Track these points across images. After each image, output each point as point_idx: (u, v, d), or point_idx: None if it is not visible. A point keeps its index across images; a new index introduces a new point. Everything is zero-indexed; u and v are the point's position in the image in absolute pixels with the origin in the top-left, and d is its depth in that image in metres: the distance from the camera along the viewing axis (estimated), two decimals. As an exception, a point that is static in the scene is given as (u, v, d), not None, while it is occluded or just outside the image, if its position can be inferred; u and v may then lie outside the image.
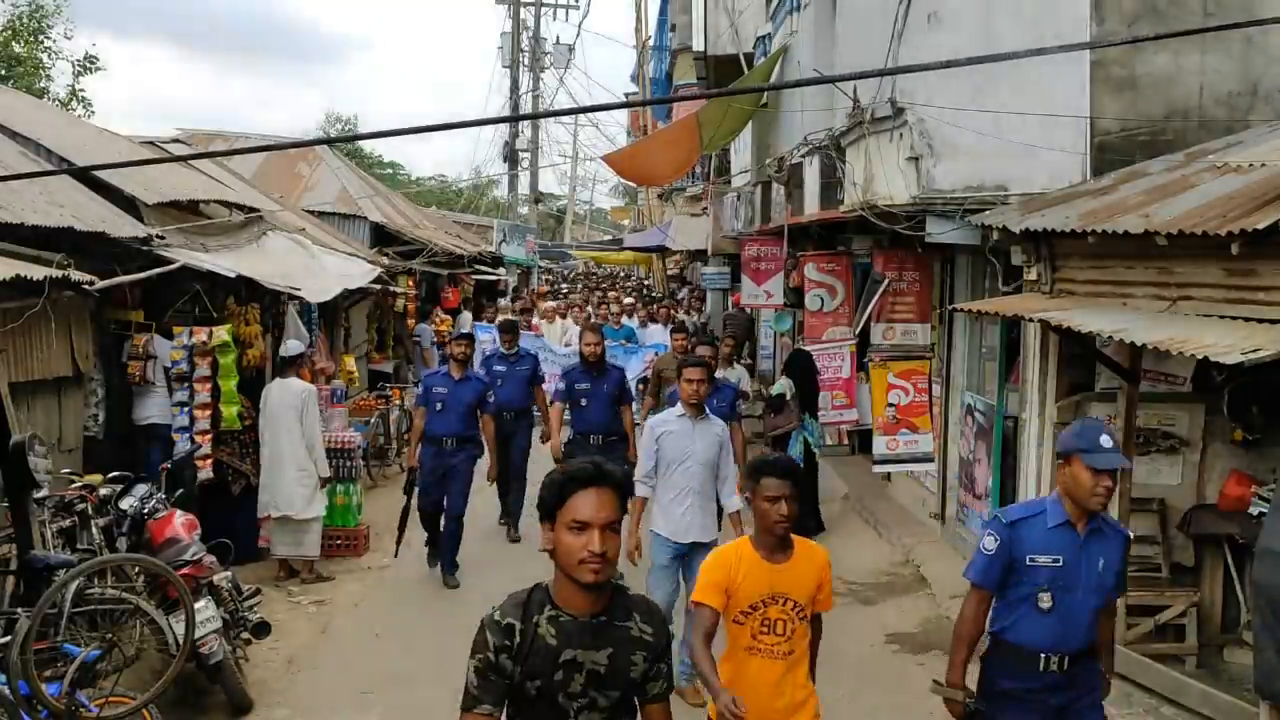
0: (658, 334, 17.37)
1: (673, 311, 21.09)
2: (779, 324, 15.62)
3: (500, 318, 17.45)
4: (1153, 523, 7.38)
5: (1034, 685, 4.26)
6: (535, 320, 18.30)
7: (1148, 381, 7.24)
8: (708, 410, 6.90)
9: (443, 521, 9.23)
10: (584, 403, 9.26)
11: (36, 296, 6.68)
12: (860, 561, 9.60)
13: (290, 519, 9.00)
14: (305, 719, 6.62)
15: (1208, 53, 7.73)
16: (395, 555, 9.51)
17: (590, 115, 44.22)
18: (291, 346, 9.56)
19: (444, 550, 9.23)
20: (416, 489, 9.31)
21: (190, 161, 12.09)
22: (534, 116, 36.11)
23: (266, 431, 9.07)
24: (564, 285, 37.39)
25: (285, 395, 9.02)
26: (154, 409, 8.83)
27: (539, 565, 3.34)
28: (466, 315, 20.70)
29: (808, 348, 11.03)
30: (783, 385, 10.84)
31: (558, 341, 16.95)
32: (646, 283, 37.02)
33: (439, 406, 9.10)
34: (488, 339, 14.65)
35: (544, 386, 11.77)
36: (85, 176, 8.75)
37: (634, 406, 16.21)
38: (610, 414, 9.33)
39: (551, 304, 20.31)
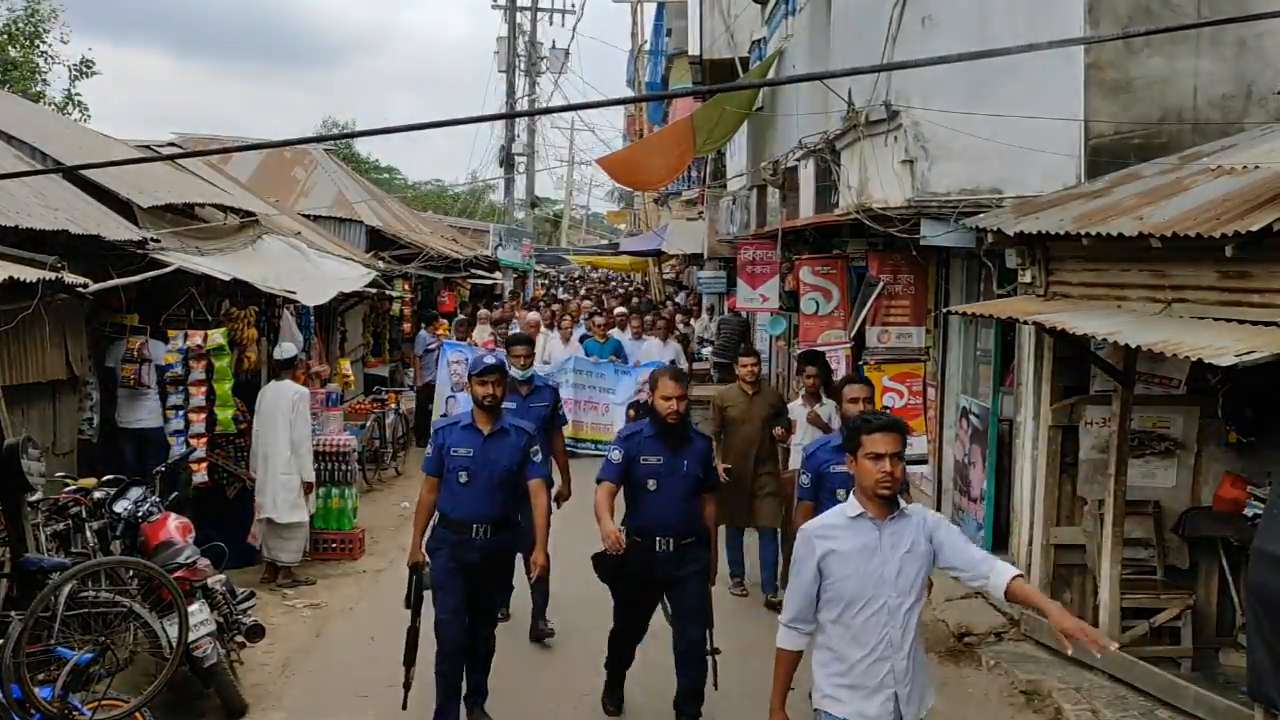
0: (655, 350, 15.01)
1: (674, 322, 17.92)
2: (774, 327, 15.56)
3: (481, 328, 16.21)
4: (1148, 525, 7.39)
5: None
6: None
7: (1142, 384, 7.25)
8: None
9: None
10: (653, 485, 6.06)
11: (30, 299, 6.67)
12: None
13: (274, 522, 9.01)
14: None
15: (1201, 56, 7.75)
16: (404, 707, 6.32)
17: (587, 121, 44.23)
18: (285, 349, 9.56)
19: (471, 676, 6.38)
20: (430, 597, 6.24)
21: (186, 165, 12.08)
22: (528, 114, 36.20)
23: (260, 433, 9.09)
24: (559, 290, 36.53)
25: (278, 398, 9.06)
26: (145, 412, 8.82)
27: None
28: (422, 334, 16.32)
29: (821, 348, 10.79)
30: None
31: (538, 359, 15.75)
32: (641, 288, 36.86)
33: (463, 478, 6.12)
34: (459, 361, 13.53)
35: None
36: (80, 180, 8.73)
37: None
38: (692, 505, 6.16)
39: (534, 316, 16.55)
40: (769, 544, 8.72)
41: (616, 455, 6.04)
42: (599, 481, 6.11)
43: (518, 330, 13.06)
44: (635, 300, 26.80)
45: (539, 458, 6.31)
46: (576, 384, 13.97)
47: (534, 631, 7.80)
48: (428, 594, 6.21)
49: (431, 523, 6.28)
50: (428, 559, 6.20)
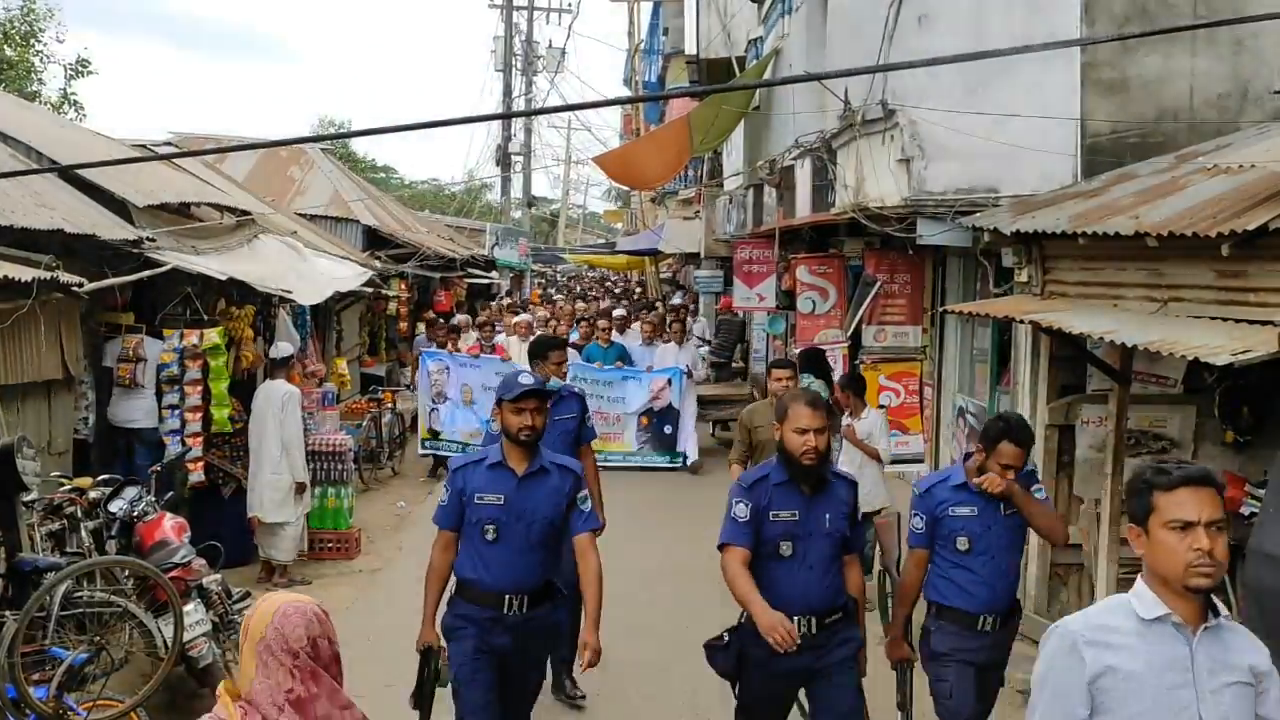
0: (670, 355, 13.80)
1: (685, 323, 15.73)
2: (773, 327, 15.54)
3: (466, 334, 14.83)
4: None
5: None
6: (500, 339, 14.38)
7: (1139, 383, 7.25)
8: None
9: None
10: (788, 549, 4.56)
11: (25, 298, 6.65)
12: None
13: (264, 520, 9.01)
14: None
15: (1197, 55, 7.76)
16: None
17: (584, 120, 44.26)
18: (280, 349, 9.57)
19: None
20: (449, 692, 4.85)
21: (182, 164, 12.06)
22: (525, 114, 36.25)
23: (253, 433, 9.11)
24: (553, 291, 35.52)
25: (269, 397, 9.08)
26: (139, 412, 8.80)
27: None
28: (421, 338, 16.48)
29: (822, 346, 10.78)
30: (820, 387, 9.40)
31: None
32: (638, 287, 36.79)
33: (490, 533, 4.71)
34: (440, 370, 13.13)
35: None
36: (76, 179, 8.72)
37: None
38: (837, 570, 4.66)
39: (524, 318, 15.39)
40: None
41: (743, 510, 4.52)
42: (723, 547, 4.52)
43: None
44: (628, 301, 25.93)
45: (588, 505, 4.84)
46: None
47: (557, 684, 6.49)
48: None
49: (448, 592, 4.90)
50: (443, 642, 4.83)
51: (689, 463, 13.29)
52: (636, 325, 15.61)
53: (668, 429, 13.36)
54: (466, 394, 13.03)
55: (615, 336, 14.66)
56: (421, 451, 13.47)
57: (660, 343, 14.16)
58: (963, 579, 4.88)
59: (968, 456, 5.20)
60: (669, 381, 13.24)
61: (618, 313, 17.25)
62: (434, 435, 13.22)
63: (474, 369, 13.10)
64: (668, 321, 15.38)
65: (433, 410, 13.16)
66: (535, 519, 4.71)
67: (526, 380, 4.81)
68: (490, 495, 4.72)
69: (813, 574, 4.57)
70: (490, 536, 4.69)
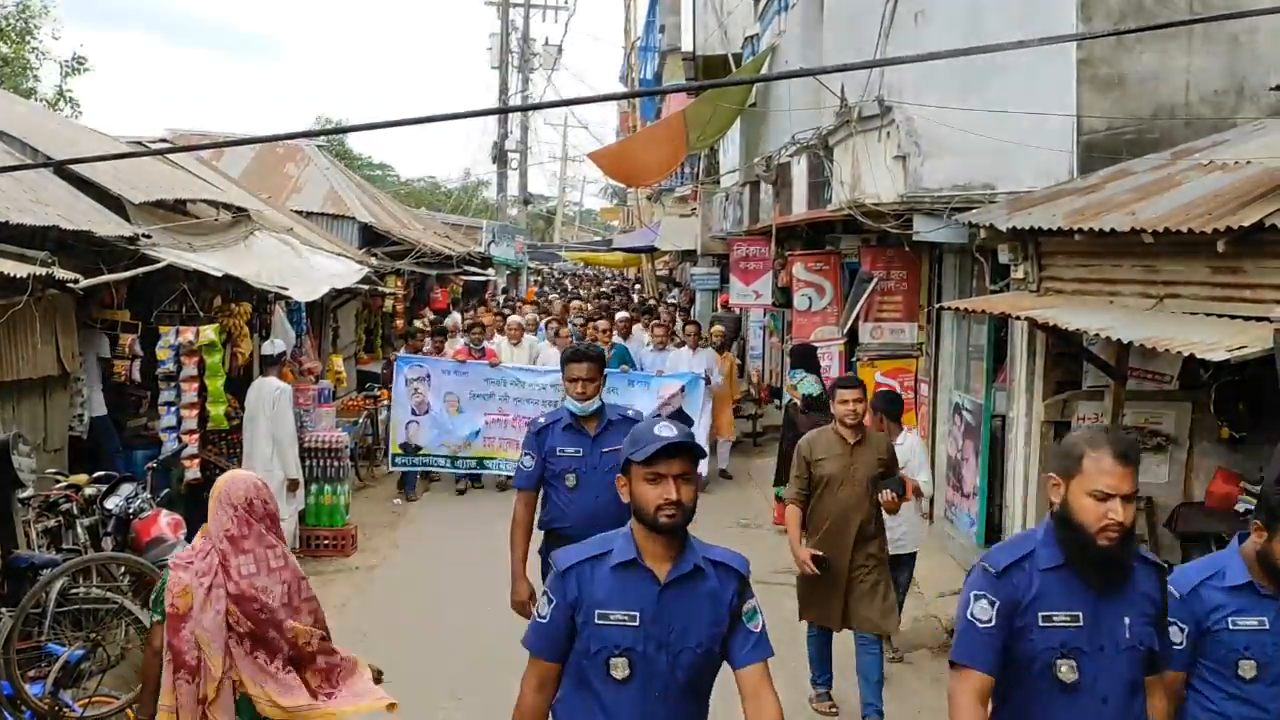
0: (684, 361, 12.41)
1: (701, 328, 13.63)
2: (775, 325, 15.44)
3: (452, 339, 13.59)
4: (1140, 521, 7.40)
5: None
6: (490, 343, 12.84)
7: (1135, 379, 7.26)
8: None
9: None
10: (1068, 672, 3.09)
11: (21, 294, 6.65)
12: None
13: None
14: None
15: (1194, 52, 7.76)
16: None
17: (580, 117, 44.22)
18: (272, 346, 9.58)
19: None
20: None
21: (177, 161, 12.04)
22: (521, 109, 36.27)
23: (246, 430, 9.13)
24: (548, 291, 34.24)
25: (261, 395, 9.11)
26: (97, 404, 8.77)
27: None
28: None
29: (813, 342, 10.81)
30: (812, 382, 8.98)
31: (527, 362, 12.63)
32: (635, 284, 36.77)
33: (617, 670, 3.14)
34: (419, 378, 11.90)
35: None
36: (71, 176, 8.71)
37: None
38: (1139, 706, 3.20)
39: (515, 320, 13.97)
40: (868, 652, 6.25)
41: (985, 611, 3.11)
42: (954, 667, 3.17)
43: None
44: (619, 297, 24.71)
45: (758, 623, 3.23)
46: None
47: None
48: None
49: None
50: None
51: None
52: (638, 327, 14.39)
53: None
54: (452, 404, 11.91)
55: (617, 340, 13.42)
56: (390, 468, 12.30)
57: (673, 347, 12.91)
58: (1243, 716, 3.49)
59: (1243, 538, 3.60)
60: (682, 389, 11.63)
61: (622, 315, 15.46)
62: (409, 450, 11.92)
63: (459, 375, 11.91)
64: (681, 325, 13.93)
65: (411, 423, 11.90)
66: (684, 646, 3.15)
67: (667, 432, 3.12)
68: (618, 613, 3.14)
69: (1106, 709, 3.07)
70: (620, 674, 3.13)
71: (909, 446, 7.10)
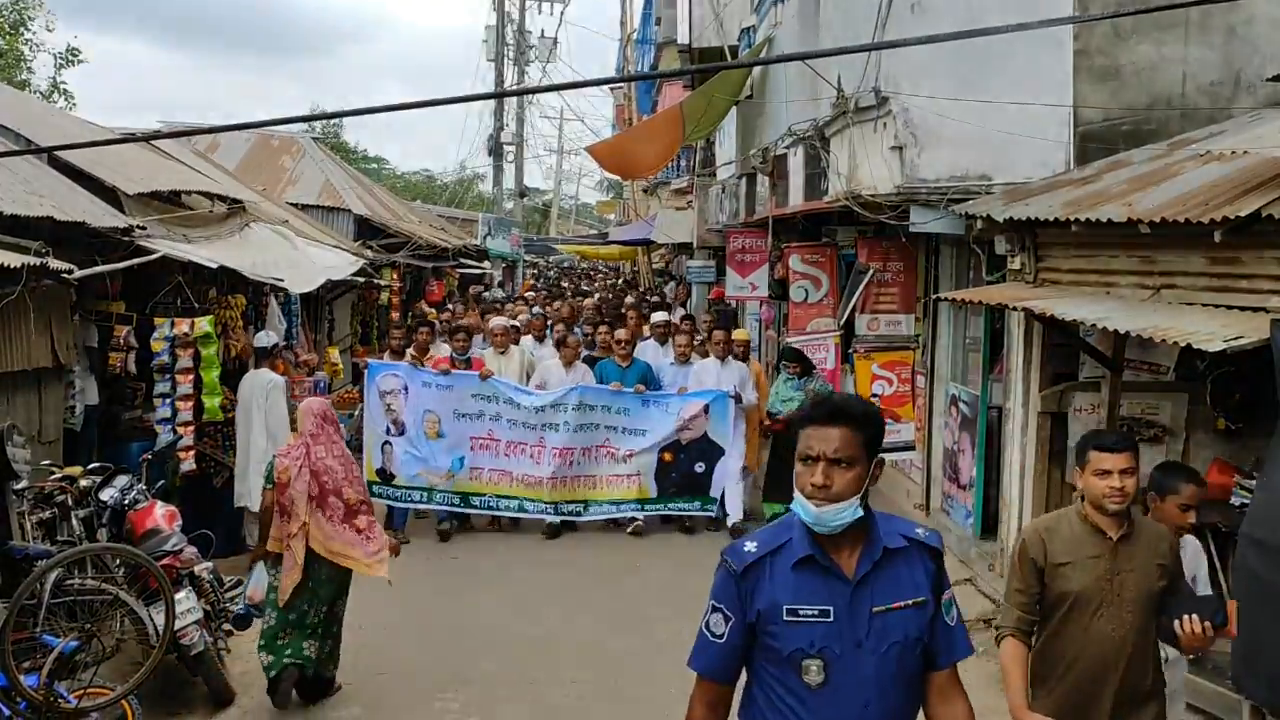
0: (710, 374, 10.52)
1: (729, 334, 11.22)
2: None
3: (438, 344, 11.42)
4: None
5: None
6: (477, 351, 10.96)
7: (1131, 370, 7.26)
8: None
9: None
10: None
11: (14, 285, 6.63)
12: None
13: (250, 510, 9.00)
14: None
15: (1190, 43, 7.75)
16: None
17: (576, 110, 44.14)
18: (265, 338, 9.58)
19: None
20: None
21: (172, 153, 12.01)
22: (514, 93, 36.23)
23: (239, 423, 9.12)
24: (540, 286, 31.28)
25: (253, 387, 9.11)
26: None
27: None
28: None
29: (793, 341, 10.84)
30: (822, 384, 9.00)
31: (517, 378, 10.47)
32: (630, 279, 36.67)
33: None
34: (394, 391, 10.02)
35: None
36: (66, 166, 8.69)
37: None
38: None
39: (500, 322, 11.33)
40: None
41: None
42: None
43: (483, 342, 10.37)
44: (611, 295, 22.82)
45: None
46: (581, 424, 10.10)
47: None
48: None
49: None
50: None
51: (730, 521, 10.22)
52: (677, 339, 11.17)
53: (699, 467, 10.20)
54: (431, 424, 10.05)
55: (650, 352, 11.40)
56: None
57: (697, 358, 10.94)
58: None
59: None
60: (706, 409, 10.14)
61: (658, 317, 12.70)
62: (385, 478, 10.06)
63: (442, 389, 10.06)
64: (706, 332, 11.99)
65: (386, 444, 10.07)
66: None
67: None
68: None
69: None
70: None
71: (1189, 551, 4.61)
